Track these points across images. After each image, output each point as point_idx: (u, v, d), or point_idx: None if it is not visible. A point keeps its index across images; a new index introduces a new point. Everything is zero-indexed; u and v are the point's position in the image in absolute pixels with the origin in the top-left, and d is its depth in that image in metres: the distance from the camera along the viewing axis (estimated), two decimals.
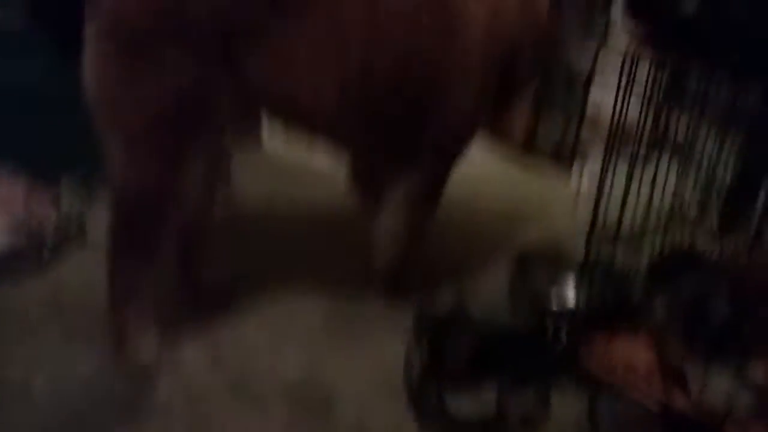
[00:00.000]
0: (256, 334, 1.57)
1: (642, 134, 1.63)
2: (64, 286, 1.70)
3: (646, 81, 1.50)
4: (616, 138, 1.55)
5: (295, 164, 2.34)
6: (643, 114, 1.59)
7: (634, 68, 1.52)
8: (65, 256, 1.80)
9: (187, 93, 1.27)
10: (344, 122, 1.39)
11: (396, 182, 1.52)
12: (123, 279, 1.40)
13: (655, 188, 1.37)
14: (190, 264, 1.56)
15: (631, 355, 1.33)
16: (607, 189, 1.34)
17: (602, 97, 2.34)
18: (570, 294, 1.65)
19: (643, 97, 1.55)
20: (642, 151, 1.64)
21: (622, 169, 1.48)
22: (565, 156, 2.43)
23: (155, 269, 1.39)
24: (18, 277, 1.69)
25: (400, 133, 1.43)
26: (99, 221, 1.86)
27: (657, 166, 1.49)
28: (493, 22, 1.36)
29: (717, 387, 1.22)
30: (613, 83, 2.16)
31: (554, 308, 1.50)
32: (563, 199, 2.11)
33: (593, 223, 1.35)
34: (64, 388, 1.39)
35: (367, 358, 1.51)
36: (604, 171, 1.43)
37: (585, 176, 2.28)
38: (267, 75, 1.31)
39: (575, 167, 2.44)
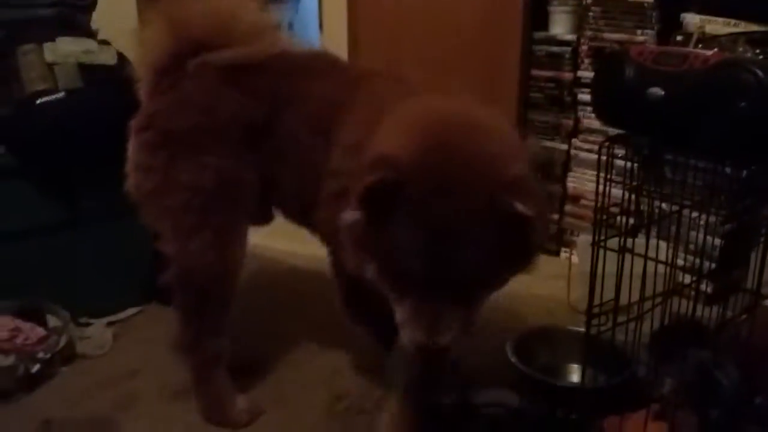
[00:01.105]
0: None
1: (627, 212, 1.66)
2: (53, 401, 1.67)
3: (624, 165, 1.54)
4: (603, 217, 1.58)
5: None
6: (626, 195, 1.64)
7: (610, 152, 1.58)
8: (54, 371, 1.77)
9: (223, 174, 1.46)
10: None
11: None
12: (207, 349, 1.54)
13: (648, 261, 1.38)
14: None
15: (643, 429, 1.30)
16: (600, 265, 1.35)
17: (582, 179, 2.41)
18: (576, 372, 1.63)
19: (623, 179, 1.61)
20: (629, 227, 1.67)
21: (612, 244, 1.50)
22: (552, 237, 2.46)
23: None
24: (8, 394, 1.66)
25: None
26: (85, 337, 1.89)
27: (647, 239, 1.50)
28: None
29: None
30: (590, 166, 2.23)
31: (561, 387, 1.48)
32: (555, 279, 2.12)
33: (591, 301, 1.34)
34: None
35: None
36: (595, 248, 1.44)
37: (575, 255, 2.30)
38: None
39: (563, 248, 2.46)
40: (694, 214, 1.65)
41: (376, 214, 1.10)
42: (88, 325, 1.94)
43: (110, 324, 1.97)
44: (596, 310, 1.34)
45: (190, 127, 1.46)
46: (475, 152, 1.12)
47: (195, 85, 1.47)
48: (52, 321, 1.86)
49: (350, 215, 1.14)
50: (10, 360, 1.70)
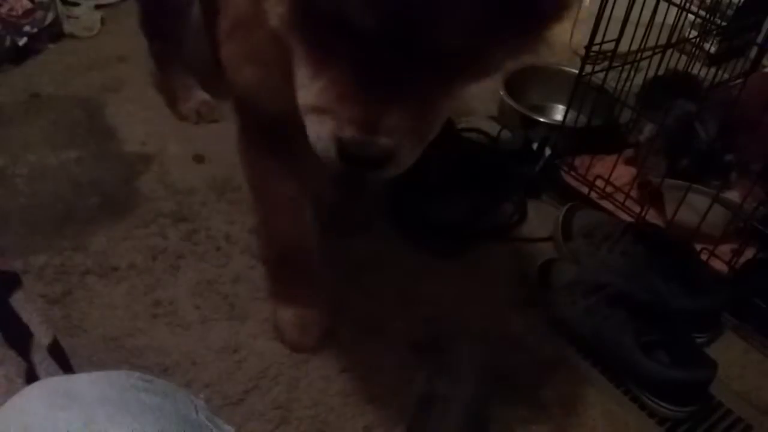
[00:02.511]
0: None
1: None
2: (42, 76, 1.67)
3: None
4: None
5: None
6: None
7: None
8: (42, 47, 1.76)
9: None
10: None
11: None
12: (157, 51, 1.60)
13: (658, 9, 1.32)
14: None
15: (612, 170, 1.35)
16: (609, 9, 1.29)
17: None
18: (559, 110, 1.65)
19: None
20: None
21: None
22: None
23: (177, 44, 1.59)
24: None
25: None
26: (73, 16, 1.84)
27: None
28: None
29: (692, 205, 1.24)
30: None
31: (542, 123, 1.50)
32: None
33: (591, 42, 1.31)
34: (47, 177, 1.40)
35: None
36: None
37: None
38: None
39: None
40: None
41: None
42: (76, 5, 1.88)
43: (99, 7, 1.91)
44: (596, 48, 1.31)
45: None
46: None
47: None
48: None
49: None
50: None
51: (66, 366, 0.99)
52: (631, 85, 1.45)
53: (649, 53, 1.41)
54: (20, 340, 0.98)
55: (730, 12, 1.64)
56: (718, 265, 1.23)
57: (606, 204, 1.37)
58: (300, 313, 1.15)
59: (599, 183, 1.36)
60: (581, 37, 1.78)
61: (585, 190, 1.39)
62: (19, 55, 1.70)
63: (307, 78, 0.68)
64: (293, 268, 1.15)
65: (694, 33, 1.64)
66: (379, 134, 0.65)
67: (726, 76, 1.65)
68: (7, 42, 1.68)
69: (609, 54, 1.34)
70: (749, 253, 1.24)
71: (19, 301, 1.07)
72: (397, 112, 0.65)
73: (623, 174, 1.39)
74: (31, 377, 0.93)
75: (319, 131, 0.67)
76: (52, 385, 0.50)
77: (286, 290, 1.17)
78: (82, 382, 0.50)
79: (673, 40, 1.43)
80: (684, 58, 1.58)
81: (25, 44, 1.71)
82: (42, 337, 1.00)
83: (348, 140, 0.65)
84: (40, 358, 0.96)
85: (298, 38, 0.67)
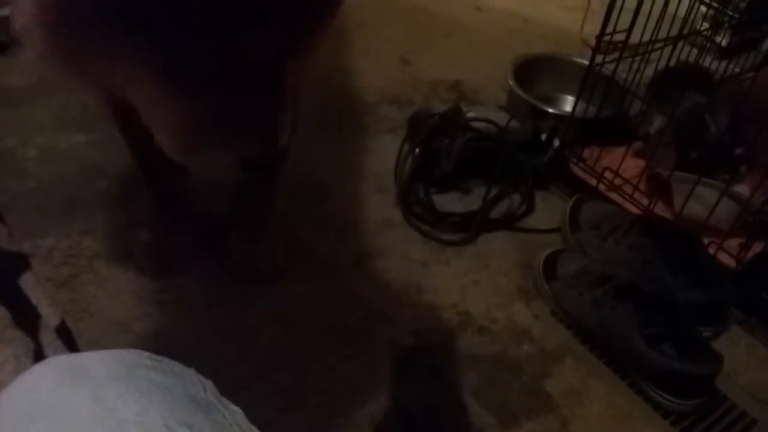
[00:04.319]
0: None
1: None
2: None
3: None
4: None
5: None
6: None
7: None
8: None
9: None
10: None
11: None
12: None
13: (670, 0, 1.31)
14: None
15: (621, 162, 1.34)
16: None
17: None
18: (568, 101, 1.64)
19: None
20: None
21: None
22: None
23: None
24: (4, 47, 1.66)
25: None
26: None
27: None
28: None
29: (701, 198, 1.24)
30: None
31: (550, 113, 1.49)
32: (573, 11, 2.04)
33: (602, 32, 1.30)
34: (57, 159, 1.40)
35: (360, 155, 1.52)
36: None
37: None
38: None
39: None
40: None
41: None
42: None
43: None
44: (607, 38, 1.30)
45: None
46: None
47: None
48: None
49: None
50: (4, 11, 1.67)
51: (73, 348, 1.00)
52: (641, 76, 1.44)
53: (660, 45, 1.40)
54: (28, 320, 0.99)
55: (742, 4, 1.62)
56: (726, 259, 1.23)
57: (614, 196, 1.36)
58: (152, 237, 1.20)
59: (608, 175, 1.35)
60: (592, 27, 1.77)
61: (593, 181, 1.39)
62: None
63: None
64: (158, 190, 1.20)
65: (706, 25, 1.63)
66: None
67: (737, 69, 1.64)
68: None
69: (620, 45, 1.33)
70: (757, 248, 1.23)
71: (27, 282, 1.08)
72: None
73: (632, 166, 1.38)
74: (39, 357, 0.94)
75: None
76: (61, 363, 0.50)
77: (149, 213, 1.23)
78: (92, 360, 0.50)
79: (685, 31, 1.42)
80: (695, 50, 1.57)
81: None
82: (50, 318, 1.01)
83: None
84: (49, 338, 0.97)
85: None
